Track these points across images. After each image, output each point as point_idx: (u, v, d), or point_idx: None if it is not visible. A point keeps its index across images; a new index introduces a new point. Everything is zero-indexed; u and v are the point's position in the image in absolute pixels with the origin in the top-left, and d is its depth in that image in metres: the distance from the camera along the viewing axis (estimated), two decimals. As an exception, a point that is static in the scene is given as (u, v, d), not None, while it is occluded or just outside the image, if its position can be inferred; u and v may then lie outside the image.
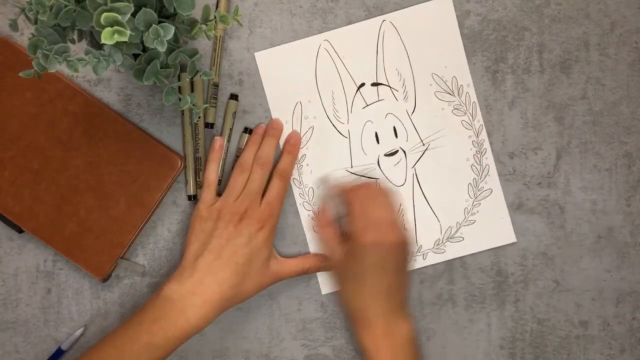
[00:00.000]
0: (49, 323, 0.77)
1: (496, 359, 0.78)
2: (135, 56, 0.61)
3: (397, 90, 0.77)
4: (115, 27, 0.53)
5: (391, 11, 0.76)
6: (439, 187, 0.77)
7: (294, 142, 0.76)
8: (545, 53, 0.76)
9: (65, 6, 0.55)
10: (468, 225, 0.77)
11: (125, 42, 0.56)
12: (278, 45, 0.76)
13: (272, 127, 0.75)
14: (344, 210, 0.73)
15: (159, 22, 0.57)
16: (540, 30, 0.76)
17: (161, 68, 0.60)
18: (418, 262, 0.77)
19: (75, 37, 0.60)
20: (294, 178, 0.77)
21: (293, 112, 0.77)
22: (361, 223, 0.70)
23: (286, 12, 0.76)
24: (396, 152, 0.77)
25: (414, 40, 0.76)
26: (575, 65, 0.77)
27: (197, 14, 0.63)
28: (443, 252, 0.77)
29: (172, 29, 0.56)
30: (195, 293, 0.69)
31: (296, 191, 0.77)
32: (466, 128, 0.77)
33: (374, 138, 0.77)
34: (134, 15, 0.55)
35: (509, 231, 0.77)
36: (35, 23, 0.57)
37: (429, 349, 0.78)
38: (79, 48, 0.74)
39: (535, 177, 0.77)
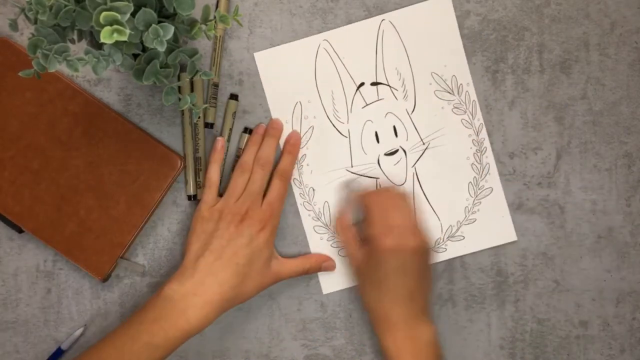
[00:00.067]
0: (49, 323, 0.77)
1: (496, 359, 0.78)
2: (135, 56, 0.61)
3: (396, 90, 0.77)
4: (115, 27, 0.53)
5: (391, 11, 0.76)
6: (440, 186, 0.77)
7: (294, 142, 0.76)
8: (545, 53, 0.76)
9: (65, 6, 0.55)
10: (469, 224, 0.77)
11: (124, 41, 0.56)
12: (278, 45, 0.76)
13: (272, 127, 0.75)
14: (364, 214, 0.73)
15: (159, 22, 0.57)
16: (540, 30, 0.76)
17: (161, 68, 0.60)
18: None
19: (75, 37, 0.60)
20: (294, 178, 0.77)
21: (293, 112, 0.77)
22: (381, 228, 0.70)
23: (286, 12, 0.76)
24: (396, 151, 0.77)
25: (413, 40, 0.76)
26: (575, 65, 0.77)
27: (197, 14, 0.63)
28: (444, 251, 0.77)
29: (172, 29, 0.56)
30: (196, 293, 0.69)
31: (296, 191, 0.77)
32: (466, 127, 0.77)
33: (374, 137, 0.77)
34: (133, 15, 0.55)
35: (509, 230, 0.77)
36: (35, 23, 0.57)
37: (429, 349, 0.78)
38: (79, 48, 0.74)
39: (535, 177, 0.77)
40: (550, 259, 0.78)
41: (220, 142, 0.75)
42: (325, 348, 0.78)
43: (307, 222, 0.77)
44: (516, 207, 0.77)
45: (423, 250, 0.71)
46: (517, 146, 0.77)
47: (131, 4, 0.54)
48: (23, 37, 0.75)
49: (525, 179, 0.77)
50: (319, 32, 0.76)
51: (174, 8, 0.58)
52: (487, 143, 0.77)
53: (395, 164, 0.77)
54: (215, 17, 0.60)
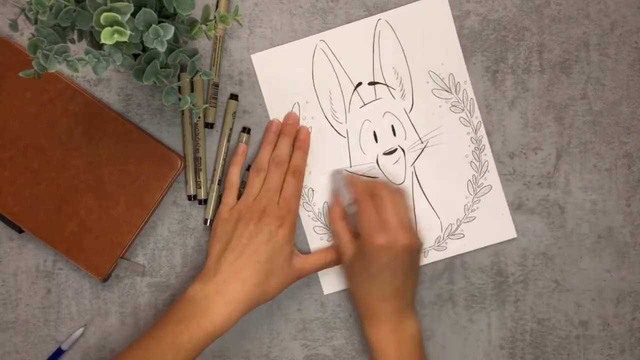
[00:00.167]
0: (49, 323, 0.77)
1: (496, 359, 0.78)
2: (135, 56, 0.61)
3: (394, 89, 0.77)
4: (115, 27, 0.53)
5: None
6: (439, 185, 0.77)
7: (303, 138, 0.76)
8: (545, 53, 0.76)
9: (65, 6, 0.55)
10: (468, 222, 0.77)
11: (125, 42, 0.56)
12: (278, 45, 0.76)
13: (288, 124, 0.76)
14: (357, 206, 0.73)
15: (159, 22, 0.57)
16: (540, 30, 0.76)
17: (161, 68, 0.60)
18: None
19: (75, 37, 0.60)
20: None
21: None
22: (375, 224, 0.70)
23: (286, 12, 0.76)
24: (395, 150, 0.77)
25: (410, 38, 0.76)
26: (575, 65, 0.77)
27: (197, 14, 0.63)
28: (444, 249, 0.77)
29: (172, 29, 0.56)
30: (219, 292, 0.69)
31: (296, 191, 0.77)
32: (464, 125, 0.77)
33: (373, 137, 0.77)
34: (133, 15, 0.55)
35: (509, 227, 0.77)
36: (35, 23, 0.57)
37: (429, 349, 0.78)
38: (79, 48, 0.74)
39: (535, 177, 0.77)
40: (550, 259, 0.78)
41: (242, 147, 0.76)
42: (325, 348, 0.78)
43: (307, 222, 0.77)
44: (516, 207, 0.77)
45: (414, 249, 0.71)
46: (517, 146, 0.77)
47: (131, 5, 0.54)
48: (23, 37, 0.75)
49: (525, 179, 0.77)
50: (319, 32, 0.76)
51: (174, 8, 0.58)
52: (485, 141, 0.77)
53: (394, 163, 0.77)
54: (215, 17, 0.60)
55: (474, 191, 0.77)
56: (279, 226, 0.71)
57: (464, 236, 0.77)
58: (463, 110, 0.77)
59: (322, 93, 0.76)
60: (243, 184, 0.76)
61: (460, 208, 0.77)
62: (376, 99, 0.77)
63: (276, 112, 0.76)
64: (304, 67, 0.76)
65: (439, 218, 0.77)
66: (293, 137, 0.76)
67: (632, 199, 0.77)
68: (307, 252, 0.77)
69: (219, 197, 0.76)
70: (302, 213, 0.77)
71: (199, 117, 0.76)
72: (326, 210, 0.77)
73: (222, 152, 0.76)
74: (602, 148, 0.77)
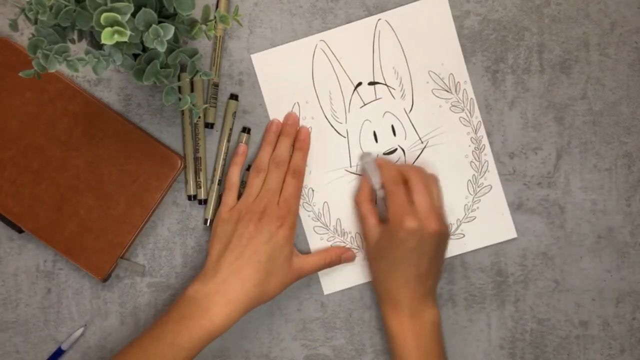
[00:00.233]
0: (49, 323, 0.77)
1: (496, 359, 0.78)
2: (135, 56, 0.61)
3: (394, 89, 0.77)
4: (115, 27, 0.53)
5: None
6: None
7: (303, 138, 0.76)
8: (545, 53, 0.76)
9: (65, 6, 0.55)
10: (468, 222, 0.77)
11: (125, 42, 0.56)
12: (278, 45, 0.76)
13: (288, 124, 0.76)
14: (386, 189, 0.73)
15: (159, 22, 0.57)
16: (540, 30, 0.76)
17: (161, 68, 0.60)
18: None
19: (75, 37, 0.60)
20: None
21: None
22: (403, 207, 0.70)
23: (286, 12, 0.76)
24: (395, 150, 0.77)
25: (410, 38, 0.76)
26: (575, 65, 0.77)
27: (197, 14, 0.63)
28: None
29: (172, 29, 0.56)
30: (219, 292, 0.69)
31: (296, 191, 0.77)
32: (464, 125, 0.77)
33: (373, 137, 0.77)
34: (133, 15, 0.55)
35: (509, 227, 0.77)
36: (35, 23, 0.57)
37: (429, 349, 0.78)
38: (79, 48, 0.74)
39: (535, 177, 0.77)
40: (550, 259, 0.78)
41: (242, 147, 0.76)
42: (325, 348, 0.78)
43: (307, 222, 0.77)
44: (516, 207, 0.77)
45: (442, 235, 0.71)
46: (517, 146, 0.77)
47: (131, 5, 0.54)
48: (23, 37, 0.75)
49: (525, 179, 0.77)
50: (319, 32, 0.76)
51: (174, 8, 0.58)
52: (485, 141, 0.77)
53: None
54: (215, 17, 0.60)
55: (474, 191, 0.77)
56: (279, 226, 0.71)
57: (464, 236, 0.77)
58: (463, 110, 0.77)
59: (322, 93, 0.76)
60: (243, 184, 0.76)
61: (461, 208, 0.77)
62: (376, 99, 0.77)
63: (276, 112, 0.76)
64: (304, 67, 0.76)
65: None
66: (293, 137, 0.76)
67: (632, 199, 0.77)
68: (307, 252, 0.77)
69: (219, 197, 0.76)
70: (302, 213, 0.77)
71: (199, 117, 0.76)
72: (326, 210, 0.77)
73: (222, 152, 0.76)
74: (602, 148, 0.77)
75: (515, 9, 0.76)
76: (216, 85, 0.76)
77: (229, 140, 0.76)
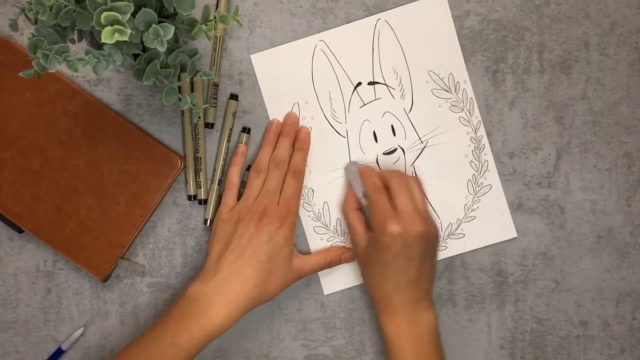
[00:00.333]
0: (49, 323, 0.77)
1: (496, 359, 0.78)
2: (135, 56, 0.61)
3: (393, 89, 0.77)
4: (115, 27, 0.53)
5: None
6: (439, 184, 0.77)
7: (303, 138, 0.76)
8: (545, 53, 0.76)
9: (65, 6, 0.55)
10: (468, 221, 0.77)
11: (125, 42, 0.56)
12: (278, 45, 0.76)
13: (288, 124, 0.75)
14: (369, 196, 0.73)
15: (159, 22, 0.57)
16: (540, 30, 0.76)
17: (161, 68, 0.60)
18: None
19: (75, 37, 0.60)
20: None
21: None
22: (388, 212, 0.70)
23: (286, 12, 0.76)
24: (395, 150, 0.77)
25: (409, 38, 0.76)
26: (575, 65, 0.77)
27: (197, 14, 0.63)
28: (445, 249, 0.77)
29: (172, 29, 0.56)
30: (219, 292, 0.69)
31: (296, 191, 0.77)
32: (464, 124, 0.77)
33: (372, 137, 0.77)
34: (134, 15, 0.55)
35: (509, 227, 0.77)
36: (35, 23, 0.57)
37: (429, 349, 0.78)
38: (79, 48, 0.74)
39: (535, 177, 0.77)
40: (550, 259, 0.78)
41: (242, 147, 0.76)
42: (325, 348, 0.78)
43: (307, 222, 0.77)
44: (516, 207, 0.77)
45: (429, 236, 0.71)
46: (517, 146, 0.77)
47: (132, 4, 0.54)
48: (23, 37, 0.75)
49: (525, 178, 0.77)
50: (319, 32, 0.76)
51: (174, 8, 0.58)
52: (485, 140, 0.77)
53: (393, 163, 0.77)
54: (215, 17, 0.60)
55: (474, 191, 0.77)
56: (279, 227, 0.72)
57: (464, 236, 0.77)
58: (463, 110, 0.77)
59: (321, 93, 0.76)
60: (243, 184, 0.76)
61: (460, 208, 0.77)
62: (376, 99, 0.77)
63: (276, 112, 0.76)
64: (303, 67, 0.76)
65: (439, 218, 0.77)
66: (293, 137, 0.76)
67: (632, 199, 0.77)
68: (307, 252, 0.77)
69: (219, 197, 0.76)
70: (302, 213, 0.77)
71: (199, 117, 0.76)
72: (326, 210, 0.77)
73: (222, 152, 0.76)
74: (602, 148, 0.77)
75: (515, 9, 0.76)
76: (216, 85, 0.76)
77: (229, 140, 0.76)
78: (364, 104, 0.77)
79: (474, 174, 0.77)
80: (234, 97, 0.76)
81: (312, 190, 0.77)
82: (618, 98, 0.77)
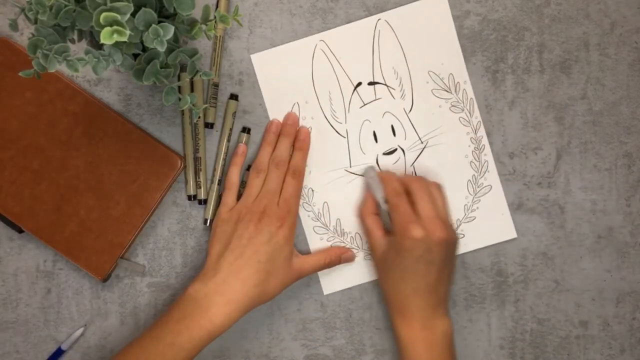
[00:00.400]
0: (49, 323, 0.77)
1: (496, 359, 0.78)
2: (135, 56, 0.61)
3: (394, 89, 0.77)
4: (115, 27, 0.53)
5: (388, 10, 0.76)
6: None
7: (303, 138, 0.76)
8: (545, 53, 0.76)
9: (65, 6, 0.55)
10: (468, 222, 0.77)
11: (125, 42, 0.56)
12: (278, 45, 0.76)
13: (288, 124, 0.75)
14: (389, 201, 0.73)
15: (159, 22, 0.57)
16: (540, 30, 0.76)
17: (161, 68, 0.60)
18: None
19: (75, 37, 0.60)
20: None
21: None
22: (410, 217, 0.70)
23: (286, 12, 0.76)
24: (394, 150, 0.77)
25: (409, 38, 0.76)
26: (575, 65, 0.77)
27: (197, 14, 0.63)
28: None
29: (172, 29, 0.56)
30: (218, 292, 0.69)
31: (296, 191, 0.77)
32: (464, 125, 0.77)
33: (372, 137, 0.77)
34: (133, 15, 0.55)
35: (509, 227, 0.77)
36: (35, 23, 0.57)
37: (429, 349, 0.78)
38: (79, 48, 0.74)
39: (535, 177, 0.77)
40: (550, 259, 0.78)
41: (242, 147, 0.76)
42: (325, 348, 0.78)
43: (307, 222, 0.77)
44: (516, 207, 0.77)
45: (450, 243, 0.70)
46: (517, 146, 0.77)
47: (131, 4, 0.54)
48: (23, 37, 0.75)
49: (525, 179, 0.77)
50: (319, 32, 0.76)
51: (174, 8, 0.58)
52: (485, 141, 0.77)
53: (394, 163, 0.77)
54: (215, 17, 0.60)
55: (474, 191, 0.77)
56: (279, 227, 0.72)
57: (464, 236, 0.77)
58: (463, 110, 0.76)
59: (321, 93, 0.76)
60: (243, 184, 0.76)
61: (460, 208, 0.77)
62: (376, 99, 0.77)
63: (276, 112, 0.76)
64: (303, 67, 0.76)
65: None
66: (293, 137, 0.76)
67: (632, 199, 0.77)
68: (307, 252, 0.77)
69: (219, 197, 0.76)
70: (302, 213, 0.77)
71: (199, 117, 0.76)
72: (326, 210, 0.77)
73: (222, 152, 0.76)
74: (602, 148, 0.77)
75: (515, 9, 0.76)
76: (216, 85, 0.76)
77: (229, 140, 0.76)
78: (364, 104, 0.77)
79: (474, 175, 0.77)
80: (234, 97, 0.76)
81: (312, 190, 0.77)
82: (618, 98, 0.77)
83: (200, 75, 0.63)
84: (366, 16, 0.76)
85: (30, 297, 0.77)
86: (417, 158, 0.77)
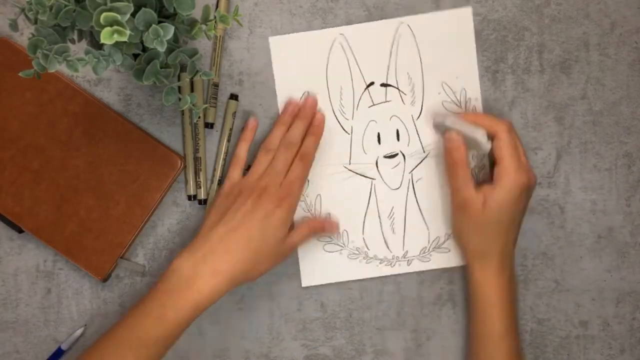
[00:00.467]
0: (49, 323, 0.77)
1: (496, 359, 0.78)
2: (135, 56, 0.61)
3: (405, 94, 0.76)
4: (115, 27, 0.53)
5: (391, 11, 0.76)
6: (433, 196, 0.77)
7: (318, 124, 0.75)
8: (545, 53, 0.76)
9: (65, 6, 0.55)
10: None
11: (125, 42, 0.56)
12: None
13: (307, 108, 0.75)
14: (501, 142, 0.70)
15: (159, 22, 0.57)
16: (540, 30, 0.76)
17: (161, 68, 0.60)
18: (402, 268, 0.77)
19: (75, 37, 0.60)
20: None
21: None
22: (516, 163, 0.70)
23: (286, 12, 0.76)
24: (396, 155, 0.77)
25: (428, 47, 0.76)
26: (575, 65, 0.77)
27: (197, 14, 0.63)
28: (428, 261, 0.77)
29: (172, 29, 0.56)
30: (206, 262, 0.68)
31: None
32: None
33: (376, 138, 0.77)
34: (133, 15, 0.55)
35: None
36: (35, 23, 0.57)
37: (429, 349, 0.78)
38: (79, 48, 0.74)
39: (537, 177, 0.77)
40: (550, 259, 0.78)
41: (252, 122, 0.75)
42: (325, 348, 0.78)
43: (298, 212, 0.76)
44: (516, 207, 0.77)
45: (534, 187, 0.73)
46: (517, 146, 0.77)
47: (131, 4, 0.54)
48: (23, 37, 0.75)
49: (525, 179, 0.77)
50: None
51: (174, 8, 0.58)
52: (486, 161, 0.76)
53: (392, 168, 0.77)
54: (215, 17, 0.60)
55: None
56: (276, 206, 0.70)
57: (449, 251, 0.77)
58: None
59: (333, 87, 0.76)
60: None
61: (450, 224, 0.77)
62: (386, 101, 0.77)
63: (285, 98, 0.76)
64: (320, 58, 0.76)
65: (427, 229, 0.77)
66: (308, 121, 0.74)
67: (632, 199, 0.77)
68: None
69: (219, 197, 0.76)
70: (300, 206, 0.77)
71: (199, 117, 0.76)
72: (318, 203, 0.76)
73: (222, 152, 0.76)
74: (602, 148, 0.77)
75: (515, 9, 0.76)
76: (216, 85, 0.76)
77: (229, 140, 0.76)
78: (373, 104, 0.77)
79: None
80: (234, 97, 0.76)
81: (308, 181, 0.77)
82: (618, 98, 0.77)
83: (200, 75, 0.63)
84: (367, 16, 0.76)
85: (30, 297, 0.77)
86: (416, 166, 0.77)
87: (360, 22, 0.76)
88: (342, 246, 0.77)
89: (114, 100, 0.76)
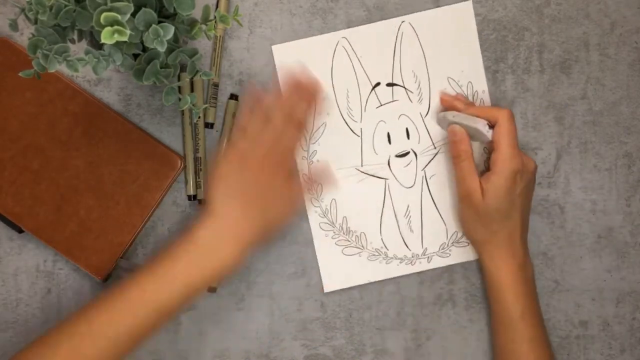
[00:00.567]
0: (49, 323, 0.77)
1: (496, 359, 0.78)
2: (135, 56, 0.61)
3: (412, 92, 0.76)
4: (115, 27, 0.53)
5: (391, 11, 0.76)
6: (448, 192, 0.77)
7: (313, 92, 0.72)
8: (545, 53, 0.77)
9: (65, 6, 0.55)
10: None
11: (125, 42, 0.56)
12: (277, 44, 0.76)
13: (303, 81, 0.72)
14: (502, 129, 0.70)
15: (159, 22, 0.57)
16: (540, 30, 0.76)
17: (161, 68, 0.60)
18: (422, 265, 0.77)
19: (75, 37, 0.60)
20: (303, 173, 0.76)
21: None
22: (513, 150, 0.70)
23: (286, 12, 0.76)
24: (407, 153, 0.77)
25: (432, 43, 0.76)
26: (575, 65, 0.77)
27: (197, 14, 0.63)
28: (448, 256, 0.77)
29: (172, 29, 0.56)
30: (230, 232, 0.67)
31: (304, 186, 0.76)
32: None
33: (386, 138, 0.77)
34: (133, 15, 0.55)
35: None
36: (35, 23, 0.57)
37: (429, 349, 0.78)
38: (79, 48, 0.74)
39: (536, 177, 0.77)
40: (550, 259, 0.78)
41: (258, 91, 0.73)
42: (325, 348, 0.78)
43: (314, 218, 0.77)
44: (516, 207, 0.77)
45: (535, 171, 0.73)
46: (517, 146, 0.77)
47: (131, 4, 0.54)
48: (23, 37, 0.75)
49: (525, 179, 0.77)
50: (319, 32, 0.76)
51: (174, 8, 0.58)
52: (486, 151, 0.76)
53: (405, 166, 0.77)
54: (215, 17, 0.60)
55: None
56: (284, 179, 0.70)
57: (468, 244, 0.77)
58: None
59: (339, 90, 0.76)
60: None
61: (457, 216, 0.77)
62: (393, 101, 0.77)
63: None
64: (323, 63, 0.76)
65: (445, 224, 0.77)
66: (306, 93, 0.72)
67: (632, 199, 0.77)
68: (305, 252, 0.77)
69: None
70: (309, 208, 0.77)
71: (199, 117, 0.76)
72: (333, 207, 0.77)
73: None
74: (602, 148, 0.77)
75: (515, 9, 0.76)
76: (216, 85, 0.76)
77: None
78: (381, 105, 0.77)
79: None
80: (234, 97, 0.76)
81: (321, 186, 0.77)
82: (618, 98, 0.77)
83: (200, 75, 0.63)
84: (367, 16, 0.76)
85: (30, 297, 0.77)
86: (429, 163, 0.77)
87: (361, 22, 0.76)
88: (361, 248, 0.77)
89: (114, 100, 0.76)
